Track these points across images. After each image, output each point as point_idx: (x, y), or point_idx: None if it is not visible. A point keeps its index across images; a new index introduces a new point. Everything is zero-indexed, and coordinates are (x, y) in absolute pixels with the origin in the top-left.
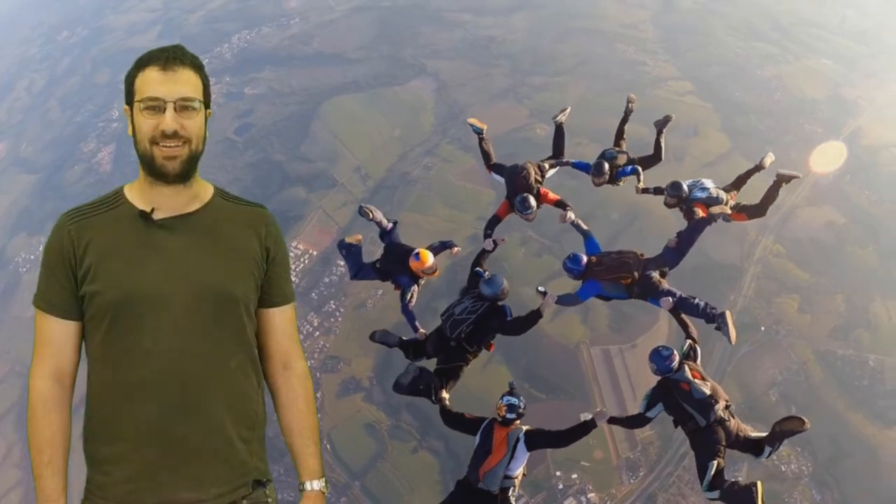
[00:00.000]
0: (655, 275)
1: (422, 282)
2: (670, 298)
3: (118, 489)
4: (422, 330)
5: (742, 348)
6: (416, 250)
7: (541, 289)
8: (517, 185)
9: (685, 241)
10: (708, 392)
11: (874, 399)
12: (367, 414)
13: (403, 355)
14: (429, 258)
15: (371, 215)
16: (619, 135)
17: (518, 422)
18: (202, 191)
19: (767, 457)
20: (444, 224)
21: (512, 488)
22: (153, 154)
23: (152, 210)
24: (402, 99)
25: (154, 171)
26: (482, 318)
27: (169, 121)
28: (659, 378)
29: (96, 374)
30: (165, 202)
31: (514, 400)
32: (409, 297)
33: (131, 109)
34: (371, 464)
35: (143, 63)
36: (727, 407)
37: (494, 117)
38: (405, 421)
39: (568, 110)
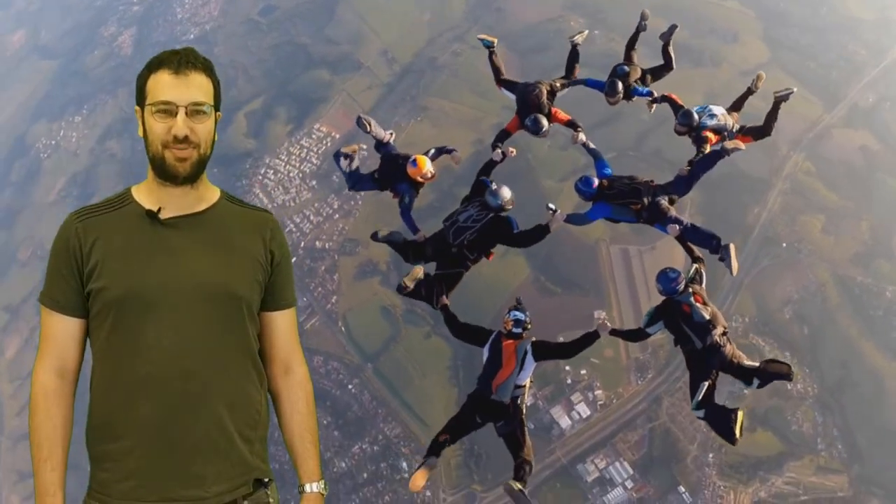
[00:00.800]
0: (664, 202)
1: (420, 188)
2: (677, 226)
3: (120, 486)
4: (421, 232)
5: (762, 262)
6: (413, 157)
7: (551, 206)
8: (529, 103)
9: (696, 172)
10: (707, 317)
11: (888, 331)
12: (382, 297)
13: (403, 259)
14: (426, 164)
15: (369, 127)
16: (630, 47)
17: (524, 334)
18: (209, 193)
19: (757, 388)
20: (470, 111)
21: (521, 396)
22: (164, 156)
23: (159, 209)
24: None
25: (165, 173)
26: (486, 228)
27: (180, 125)
28: (664, 297)
29: (100, 370)
30: (172, 202)
31: (520, 315)
32: (407, 203)
33: (142, 111)
34: (385, 347)
35: (154, 66)
36: (724, 333)
37: (528, 7)
38: (420, 306)
39: (585, 33)
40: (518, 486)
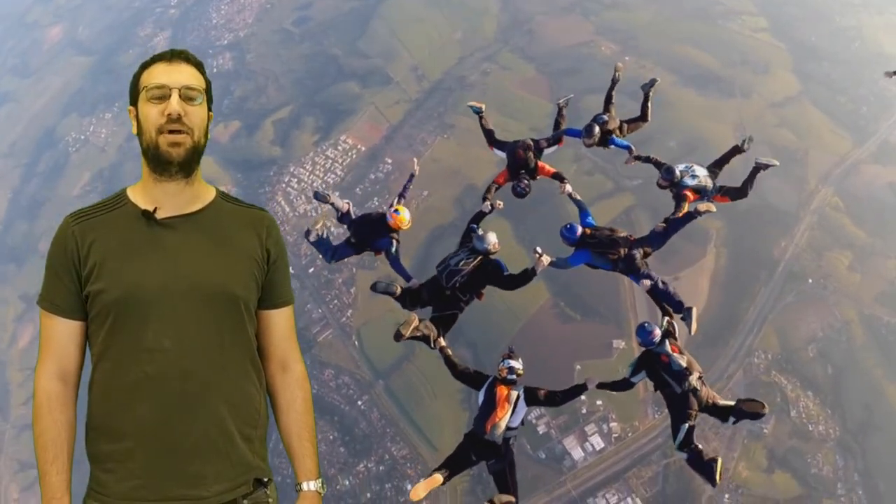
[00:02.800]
0: (639, 255)
1: (398, 235)
2: (648, 281)
3: (121, 486)
4: (414, 280)
5: (787, 297)
6: (393, 206)
7: (538, 250)
8: (517, 159)
9: (671, 229)
10: (684, 364)
11: None
12: (398, 314)
13: (401, 305)
14: (406, 211)
15: (329, 198)
16: (608, 101)
17: (515, 381)
18: (204, 191)
19: (732, 424)
20: (496, 131)
21: (512, 438)
22: (158, 142)
23: (155, 209)
24: (466, 2)
25: (159, 160)
26: (476, 271)
27: (174, 104)
28: (643, 349)
29: (99, 372)
30: (168, 201)
31: (514, 363)
32: (394, 253)
33: (136, 108)
34: (397, 365)
35: (147, 63)
36: (700, 377)
37: (559, 30)
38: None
39: (571, 97)
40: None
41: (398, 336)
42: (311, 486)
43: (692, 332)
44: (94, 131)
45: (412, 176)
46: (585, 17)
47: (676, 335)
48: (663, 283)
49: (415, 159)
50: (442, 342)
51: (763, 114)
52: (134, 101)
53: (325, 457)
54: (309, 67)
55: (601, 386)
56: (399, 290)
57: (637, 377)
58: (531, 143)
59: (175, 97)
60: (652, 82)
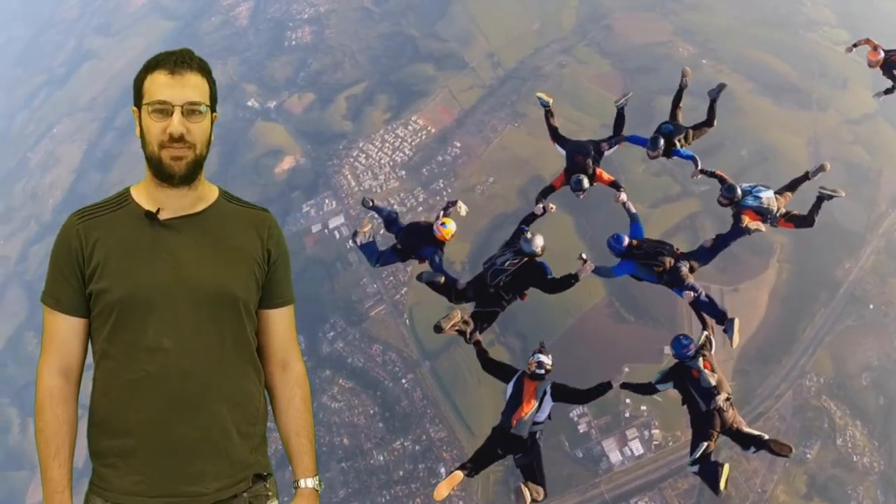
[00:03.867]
0: (685, 269)
1: (443, 246)
2: (692, 293)
3: (122, 482)
4: (461, 281)
5: (846, 320)
6: (440, 220)
7: (584, 256)
8: (575, 162)
9: (719, 245)
10: (714, 383)
11: None
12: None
13: (447, 299)
14: (452, 224)
15: (373, 205)
16: (675, 105)
17: (545, 376)
18: (207, 192)
19: (752, 453)
20: (568, 124)
21: (539, 432)
22: (161, 156)
23: (158, 210)
24: None
25: (161, 173)
26: (520, 272)
27: (176, 124)
28: (676, 360)
29: (101, 370)
30: (171, 203)
31: (543, 358)
32: (438, 263)
33: (139, 111)
34: (445, 347)
35: (151, 66)
36: (728, 399)
37: (638, 28)
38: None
39: (630, 95)
40: (528, 493)
41: (438, 328)
42: (308, 483)
43: (734, 345)
44: None
45: (455, 203)
46: (665, 16)
47: (712, 351)
48: (707, 296)
49: (463, 206)
50: (477, 336)
51: (838, 129)
52: (137, 103)
53: (362, 430)
54: (386, 46)
55: (625, 386)
56: (443, 280)
57: (663, 385)
58: (591, 148)
59: (177, 116)
60: (720, 88)
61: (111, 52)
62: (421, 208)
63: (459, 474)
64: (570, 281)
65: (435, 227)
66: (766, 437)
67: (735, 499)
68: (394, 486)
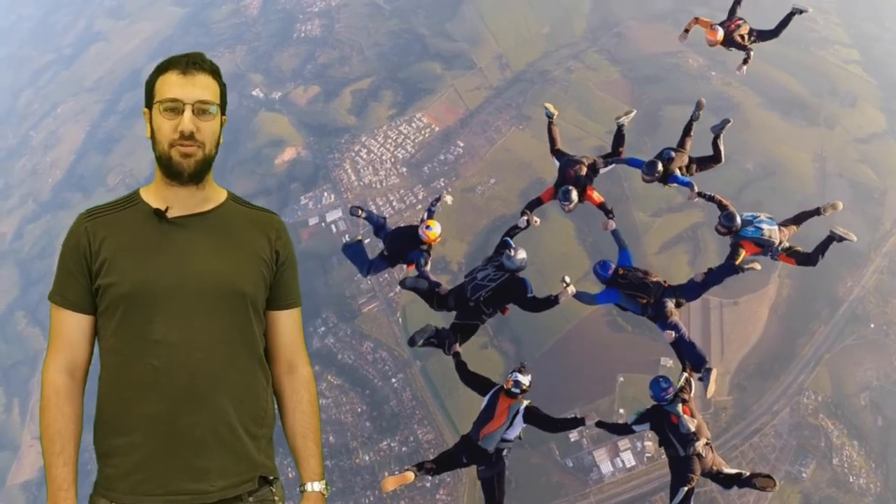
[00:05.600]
0: (670, 305)
1: (429, 248)
2: (673, 333)
3: (127, 480)
4: (443, 286)
5: (846, 339)
6: (425, 222)
7: (567, 279)
8: (566, 176)
9: (710, 281)
10: (693, 429)
11: None
12: None
13: (427, 305)
14: (437, 225)
15: (361, 214)
16: (685, 134)
17: (520, 396)
18: (215, 194)
19: (734, 491)
20: (572, 129)
21: (507, 450)
22: (171, 154)
23: (167, 208)
24: None
25: (171, 171)
26: (501, 287)
27: (187, 122)
28: (654, 403)
29: (107, 366)
30: (180, 202)
31: (521, 378)
32: (424, 265)
33: (150, 112)
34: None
35: (163, 68)
36: (707, 444)
37: (648, 36)
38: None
39: (633, 114)
40: None
41: (412, 341)
42: (315, 486)
43: (709, 396)
44: None
45: (440, 199)
46: (676, 26)
47: (692, 394)
48: (689, 339)
49: (448, 197)
50: (457, 348)
51: (845, 147)
52: (149, 104)
53: (349, 428)
54: (395, 43)
55: (600, 425)
56: (426, 287)
57: (640, 427)
58: (586, 165)
59: (188, 113)
60: (724, 123)
61: (120, 34)
62: (420, 206)
63: (410, 475)
64: (549, 302)
65: (420, 230)
66: (747, 473)
67: None
68: (378, 488)
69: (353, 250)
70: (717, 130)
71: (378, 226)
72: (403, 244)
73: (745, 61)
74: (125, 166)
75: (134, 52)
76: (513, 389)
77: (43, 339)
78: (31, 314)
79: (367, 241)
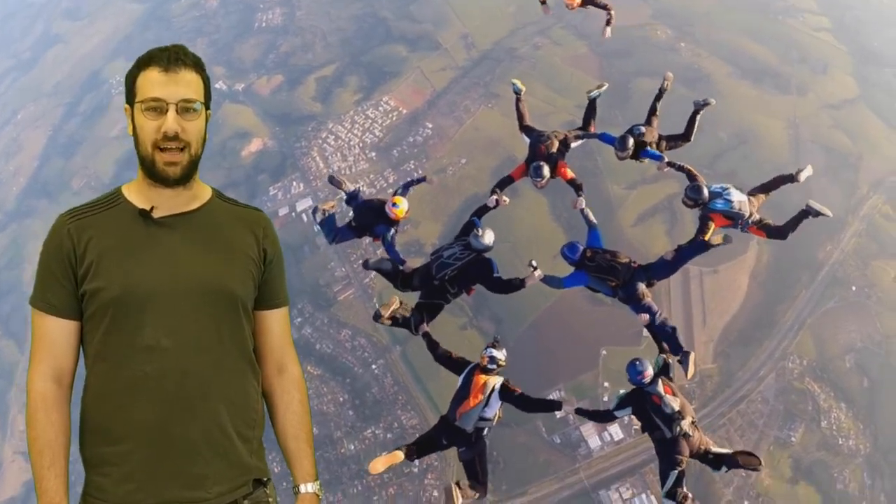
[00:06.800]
0: (642, 286)
1: (397, 225)
2: (647, 315)
3: (118, 490)
4: (407, 263)
5: (828, 303)
6: (392, 200)
7: (534, 263)
8: (537, 152)
9: (680, 259)
10: (676, 408)
11: None
12: None
13: (392, 285)
14: (403, 202)
15: (342, 185)
16: (652, 111)
17: (496, 371)
18: (201, 192)
19: (724, 473)
20: (541, 104)
21: (487, 428)
22: (154, 159)
23: (152, 208)
24: None
25: (155, 176)
26: (467, 267)
27: (171, 122)
28: (634, 386)
29: (95, 373)
30: (165, 201)
31: (496, 353)
32: (390, 240)
33: (132, 109)
34: None
35: (144, 63)
36: (693, 422)
37: (615, 10)
38: (461, 296)
39: (605, 87)
40: (458, 495)
41: (377, 316)
42: (308, 487)
43: (689, 377)
44: None
45: (423, 180)
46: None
47: (672, 374)
48: (663, 320)
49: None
50: (425, 328)
51: (818, 114)
52: (130, 101)
53: (332, 419)
54: (358, 28)
55: (580, 412)
56: (390, 268)
57: (622, 412)
58: (556, 140)
59: (172, 113)
60: (706, 102)
61: (78, 35)
62: (391, 189)
63: (400, 455)
64: (516, 285)
65: (387, 207)
66: (731, 451)
67: (719, 484)
68: (366, 476)
69: (324, 215)
70: (699, 106)
71: (351, 196)
72: (372, 217)
73: (608, 22)
74: (89, 169)
75: (93, 52)
76: (488, 366)
77: (18, 352)
78: (4, 326)
79: (337, 211)
